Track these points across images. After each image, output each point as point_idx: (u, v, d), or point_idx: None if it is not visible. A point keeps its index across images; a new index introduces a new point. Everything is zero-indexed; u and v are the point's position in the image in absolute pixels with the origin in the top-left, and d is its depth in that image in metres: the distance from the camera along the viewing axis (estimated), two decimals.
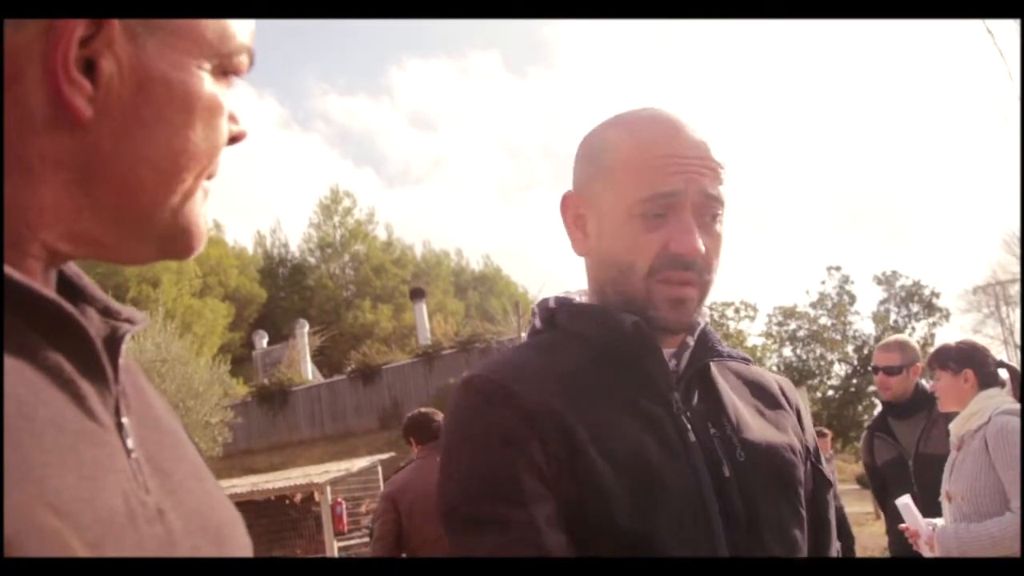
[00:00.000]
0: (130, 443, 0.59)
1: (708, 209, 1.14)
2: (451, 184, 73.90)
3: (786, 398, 1.29)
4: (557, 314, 1.23)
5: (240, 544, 0.68)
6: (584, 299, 1.25)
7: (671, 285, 1.14)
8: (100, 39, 0.58)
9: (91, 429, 0.55)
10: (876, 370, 4.13)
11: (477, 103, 75.93)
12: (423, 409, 4.77)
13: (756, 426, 1.19)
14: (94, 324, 0.62)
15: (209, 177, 0.67)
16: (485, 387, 1.09)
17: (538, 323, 1.25)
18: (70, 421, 0.54)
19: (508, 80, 78.09)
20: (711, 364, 1.21)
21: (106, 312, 0.64)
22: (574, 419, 1.06)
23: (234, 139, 0.69)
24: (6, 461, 0.47)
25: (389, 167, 75.30)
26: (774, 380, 1.32)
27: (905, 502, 3.32)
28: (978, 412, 3.15)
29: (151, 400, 0.69)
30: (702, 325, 1.22)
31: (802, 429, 1.27)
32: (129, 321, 0.65)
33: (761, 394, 1.27)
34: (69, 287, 0.65)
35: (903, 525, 3.32)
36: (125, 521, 0.53)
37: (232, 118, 0.67)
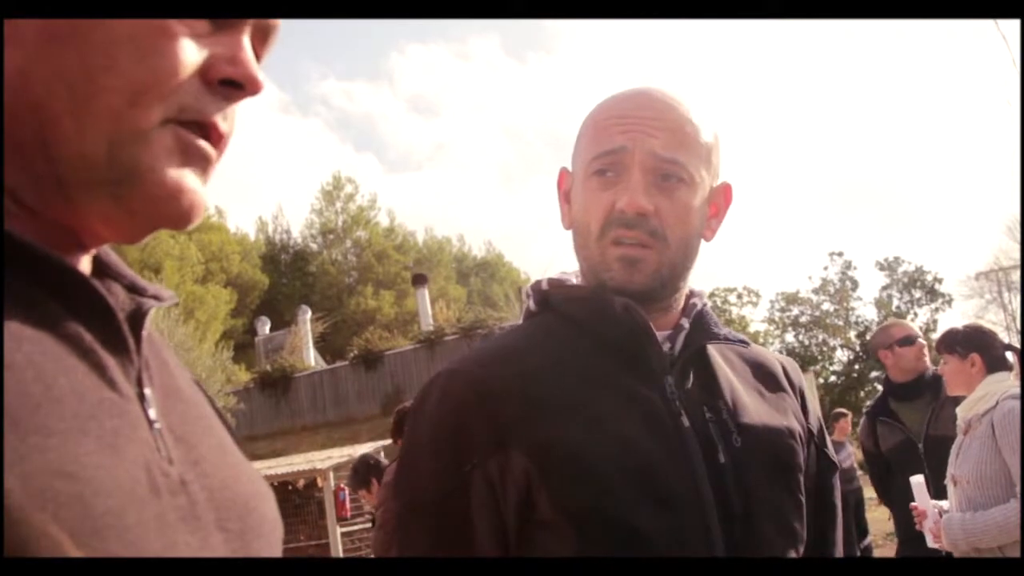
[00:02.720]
0: (152, 414, 0.58)
1: (660, 170, 1.13)
2: (452, 170, 73.82)
3: (788, 379, 1.26)
4: (550, 296, 1.21)
5: (268, 518, 0.66)
6: (578, 280, 1.23)
7: (621, 245, 1.13)
8: None
9: (112, 399, 0.54)
10: (912, 339, 4.15)
11: (477, 88, 75.72)
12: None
13: (754, 409, 1.16)
14: (119, 299, 0.61)
15: (187, 118, 0.60)
16: (458, 391, 1.09)
17: (532, 305, 1.24)
18: (90, 390, 0.53)
19: (508, 65, 77.83)
20: (709, 347, 1.19)
21: (132, 288, 0.63)
22: (562, 408, 1.05)
23: (234, 83, 0.62)
24: (25, 427, 0.46)
25: (390, 152, 75.21)
26: (777, 361, 1.29)
27: (919, 481, 3.32)
28: (985, 396, 3.15)
29: (175, 372, 0.67)
30: (699, 307, 1.20)
31: (805, 412, 1.25)
32: (156, 297, 0.63)
33: (762, 376, 1.24)
34: (95, 263, 0.64)
35: (913, 504, 3.32)
36: (147, 491, 0.52)
37: (231, 61, 0.61)
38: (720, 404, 1.14)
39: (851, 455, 10.13)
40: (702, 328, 1.18)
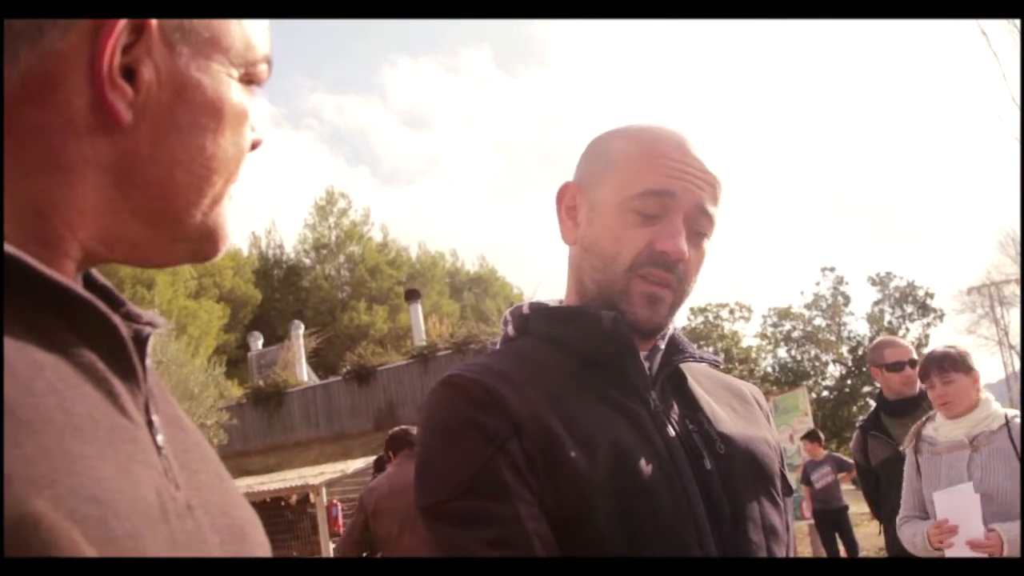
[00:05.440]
0: (160, 440, 0.60)
1: (699, 224, 1.17)
2: (445, 184, 74.01)
3: (756, 400, 1.32)
4: (531, 320, 1.23)
5: (260, 543, 0.69)
6: (558, 304, 1.25)
7: (649, 283, 1.15)
8: (140, 46, 0.60)
9: (124, 425, 0.57)
10: (900, 366, 4.15)
11: (469, 101, 76.02)
12: (403, 426, 4.99)
13: (732, 421, 1.21)
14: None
15: (234, 182, 0.69)
16: (466, 386, 1.10)
17: (511, 330, 1.25)
18: (105, 417, 0.55)
19: (500, 78, 78.17)
20: (683, 367, 1.24)
21: (127, 315, 0.66)
22: (554, 418, 1.07)
23: (253, 146, 0.71)
24: (51, 451, 0.48)
25: (383, 166, 75.39)
26: (744, 386, 1.36)
27: (960, 491, 3.17)
28: (992, 413, 3.27)
29: (171, 400, 0.70)
30: (671, 331, 1.24)
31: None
32: (150, 324, 0.66)
33: (733, 393, 1.30)
34: (93, 289, 0.66)
35: (942, 518, 3.19)
36: (158, 515, 0.54)
37: (251, 126, 0.70)
38: (701, 416, 1.18)
39: (827, 475, 9.82)
40: (676, 348, 1.23)
